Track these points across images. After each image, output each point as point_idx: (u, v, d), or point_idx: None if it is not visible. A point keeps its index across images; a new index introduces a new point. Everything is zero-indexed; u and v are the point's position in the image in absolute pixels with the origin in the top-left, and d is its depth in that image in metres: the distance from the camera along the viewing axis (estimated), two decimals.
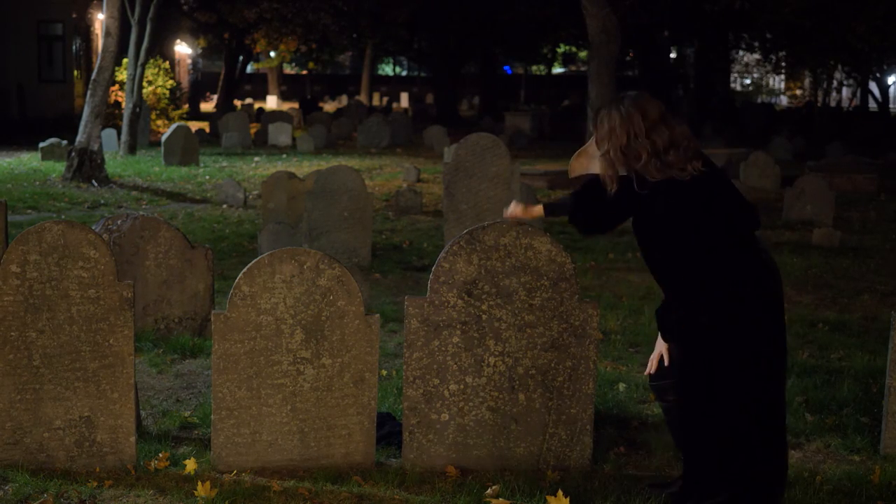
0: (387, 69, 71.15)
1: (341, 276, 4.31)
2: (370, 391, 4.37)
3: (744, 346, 3.78)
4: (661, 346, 4.09)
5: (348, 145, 25.38)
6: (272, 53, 43.77)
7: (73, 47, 31.37)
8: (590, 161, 4.09)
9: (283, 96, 52.91)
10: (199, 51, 46.44)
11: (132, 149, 20.68)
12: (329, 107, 44.90)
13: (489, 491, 4.14)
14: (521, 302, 4.36)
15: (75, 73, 31.21)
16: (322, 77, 61.05)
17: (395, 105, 47.97)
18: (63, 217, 11.94)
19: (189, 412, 5.14)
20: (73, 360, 4.29)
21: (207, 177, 17.19)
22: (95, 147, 15.89)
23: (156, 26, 22.18)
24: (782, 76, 49.47)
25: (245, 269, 4.31)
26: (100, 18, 25.63)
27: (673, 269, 3.83)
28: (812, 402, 5.41)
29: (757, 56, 42.26)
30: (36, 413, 4.30)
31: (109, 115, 23.40)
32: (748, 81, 58.89)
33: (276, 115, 29.08)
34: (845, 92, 44.87)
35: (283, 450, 4.37)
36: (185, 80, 41.57)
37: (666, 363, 4.04)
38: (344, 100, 49.03)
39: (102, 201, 13.91)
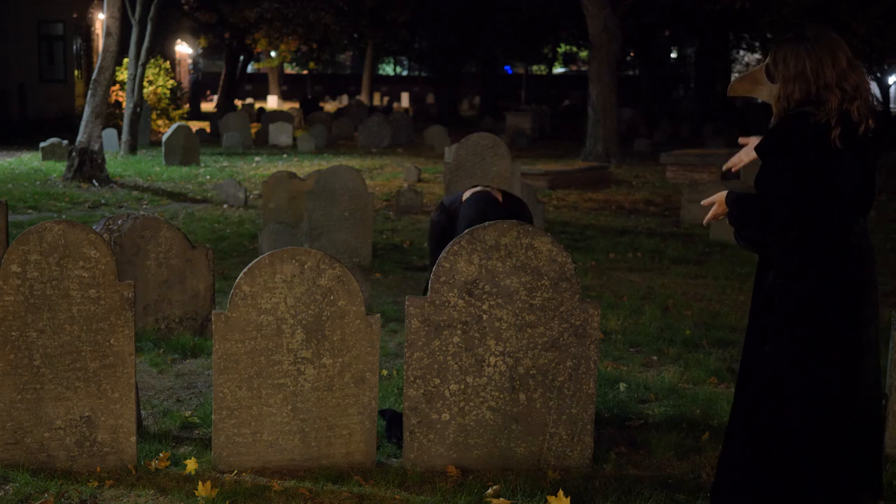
0: (387, 69, 71.16)
1: (342, 275, 4.31)
2: (371, 391, 4.37)
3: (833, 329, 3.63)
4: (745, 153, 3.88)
5: (349, 145, 25.39)
6: (273, 53, 43.76)
7: (74, 47, 31.37)
8: (754, 87, 3.82)
9: (284, 96, 52.93)
10: (200, 50, 46.44)
11: (133, 149, 20.69)
12: (330, 107, 44.90)
13: (490, 491, 4.14)
14: (521, 302, 4.36)
15: (76, 72, 31.21)
16: (323, 77, 61.06)
17: (395, 105, 47.97)
18: (64, 217, 11.95)
19: (190, 412, 5.14)
20: (73, 359, 4.29)
21: (208, 177, 17.19)
22: (96, 147, 15.89)
23: (156, 26, 22.18)
24: None
25: (246, 269, 4.31)
26: (100, 18, 25.66)
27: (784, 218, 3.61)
28: None
29: (757, 56, 42.24)
30: (37, 413, 4.30)
31: (110, 115, 23.41)
32: None
33: (276, 115, 29.08)
34: None
35: (284, 450, 4.37)
36: (185, 80, 41.59)
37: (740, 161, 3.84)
38: (345, 100, 49.05)
39: (103, 201, 13.91)
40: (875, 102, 3.62)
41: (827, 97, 3.54)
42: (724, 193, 3.82)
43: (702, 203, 3.94)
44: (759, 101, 3.72)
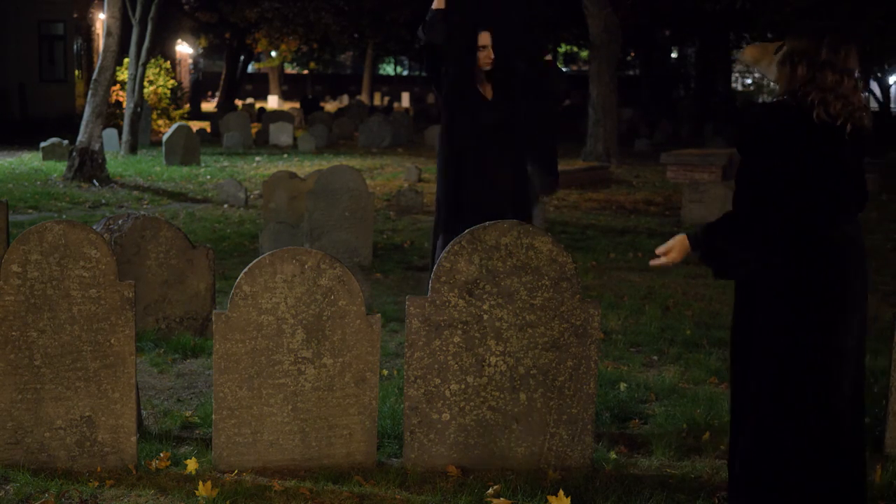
0: (388, 69, 71.13)
1: (342, 275, 4.31)
2: (371, 391, 4.38)
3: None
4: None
5: (349, 145, 25.38)
6: (273, 53, 43.78)
7: (75, 47, 31.39)
8: (763, 57, 3.84)
9: (285, 96, 52.91)
10: (201, 50, 46.47)
11: (133, 148, 20.70)
12: (330, 106, 44.87)
13: (490, 491, 4.14)
14: (522, 302, 4.36)
15: (76, 72, 31.23)
16: (323, 77, 61.05)
17: (396, 105, 47.91)
18: (64, 217, 11.95)
19: (190, 412, 5.14)
20: (74, 359, 4.29)
21: (209, 176, 17.19)
22: (97, 147, 15.90)
23: (157, 26, 22.19)
24: None
25: (246, 269, 4.31)
26: (101, 18, 25.66)
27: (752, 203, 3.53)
28: None
29: None
30: (37, 413, 4.30)
31: (111, 115, 23.41)
32: (749, 81, 58.86)
33: (277, 115, 29.07)
34: None
35: (285, 449, 4.37)
36: (186, 80, 41.56)
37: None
38: (345, 99, 49.00)
39: (104, 201, 13.91)
40: (862, 110, 3.53)
41: (823, 76, 3.49)
42: (682, 237, 3.65)
43: (656, 251, 3.72)
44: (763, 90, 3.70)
